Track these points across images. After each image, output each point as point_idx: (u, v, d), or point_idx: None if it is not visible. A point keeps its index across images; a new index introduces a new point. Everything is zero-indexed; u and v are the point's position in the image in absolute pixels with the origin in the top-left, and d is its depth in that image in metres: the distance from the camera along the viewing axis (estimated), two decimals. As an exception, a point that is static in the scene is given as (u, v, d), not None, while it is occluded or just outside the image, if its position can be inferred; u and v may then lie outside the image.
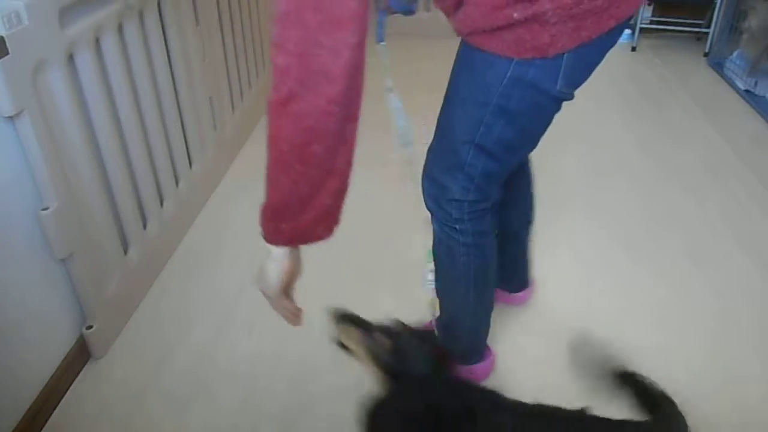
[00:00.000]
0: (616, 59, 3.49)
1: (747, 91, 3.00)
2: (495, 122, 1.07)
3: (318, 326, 1.61)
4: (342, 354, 1.51)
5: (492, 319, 1.62)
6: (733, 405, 1.40)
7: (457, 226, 1.23)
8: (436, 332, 1.39)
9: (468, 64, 1.08)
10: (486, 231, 1.26)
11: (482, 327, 1.44)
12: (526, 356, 1.52)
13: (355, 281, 1.75)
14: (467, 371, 1.46)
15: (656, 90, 3.09)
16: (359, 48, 0.83)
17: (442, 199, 1.21)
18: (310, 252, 1.00)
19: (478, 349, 1.47)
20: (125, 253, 1.61)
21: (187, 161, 1.95)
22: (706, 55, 3.52)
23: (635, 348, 1.54)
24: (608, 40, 1.02)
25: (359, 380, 1.46)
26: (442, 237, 1.26)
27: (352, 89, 0.85)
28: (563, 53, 0.97)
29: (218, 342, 1.56)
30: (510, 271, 1.63)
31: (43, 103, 1.24)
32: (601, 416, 0.89)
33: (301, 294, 1.06)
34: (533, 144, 1.18)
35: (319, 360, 1.51)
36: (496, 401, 0.95)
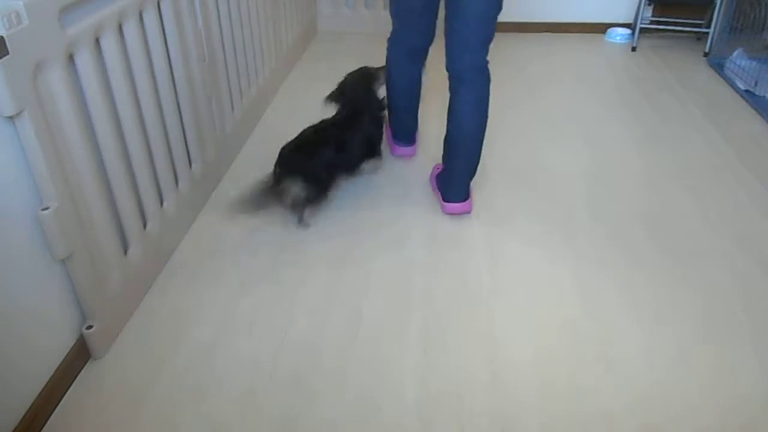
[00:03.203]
0: (616, 59, 3.49)
1: (747, 91, 3.00)
2: None
3: (318, 325, 1.61)
4: (343, 353, 1.52)
5: (492, 314, 1.62)
6: (733, 404, 1.40)
7: (388, 44, 2.17)
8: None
9: None
10: (393, 58, 2.15)
11: (396, 118, 2.28)
12: (525, 353, 1.52)
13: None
14: (395, 144, 2.38)
15: (656, 90, 3.09)
16: None
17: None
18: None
19: (400, 134, 2.34)
20: (125, 253, 1.61)
21: (187, 161, 1.96)
22: (706, 55, 3.52)
23: (634, 347, 1.55)
24: None
25: (359, 378, 1.46)
26: None
27: None
28: None
29: (218, 342, 1.57)
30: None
31: (43, 103, 1.24)
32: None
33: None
34: (411, 13, 1.98)
35: (320, 359, 1.51)
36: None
